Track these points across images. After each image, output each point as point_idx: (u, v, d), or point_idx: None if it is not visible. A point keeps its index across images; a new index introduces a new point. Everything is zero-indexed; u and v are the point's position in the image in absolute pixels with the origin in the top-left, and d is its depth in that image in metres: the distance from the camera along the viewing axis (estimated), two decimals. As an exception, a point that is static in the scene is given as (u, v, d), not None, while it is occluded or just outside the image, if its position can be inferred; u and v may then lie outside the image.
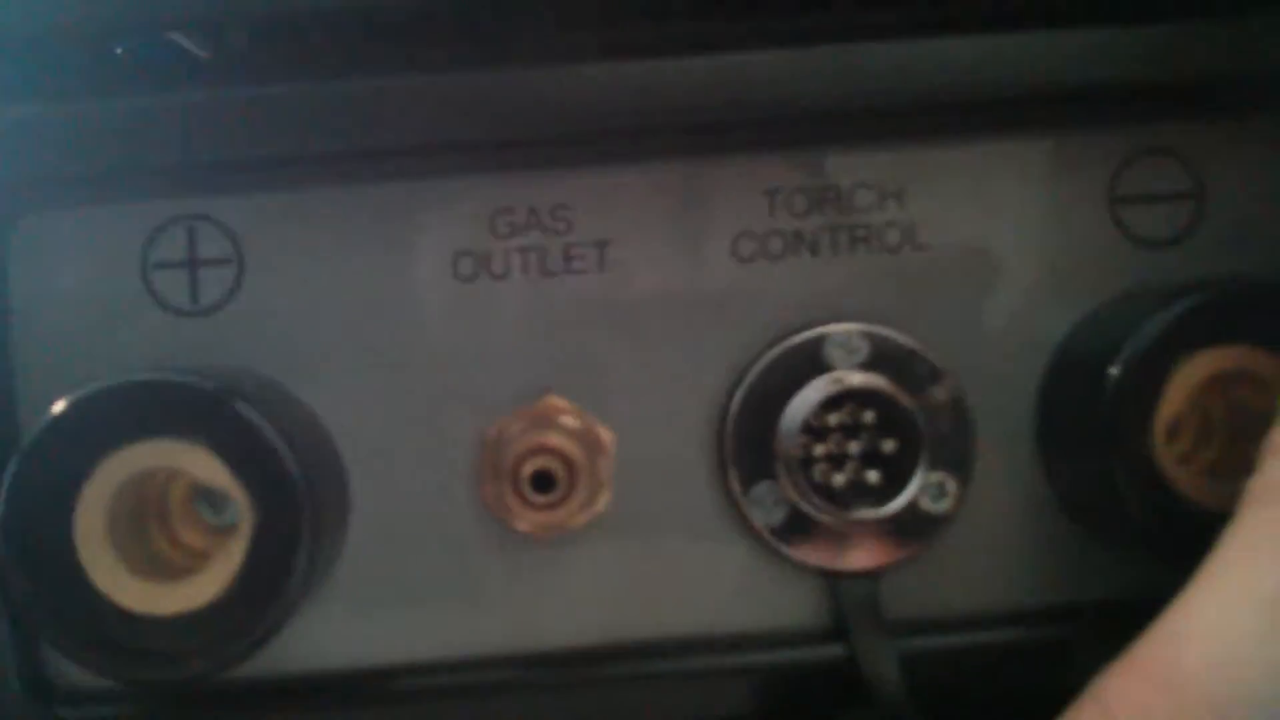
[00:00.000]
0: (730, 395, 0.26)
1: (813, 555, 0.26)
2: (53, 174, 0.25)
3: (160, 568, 0.24)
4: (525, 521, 0.24)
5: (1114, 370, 0.24)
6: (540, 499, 0.23)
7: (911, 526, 0.26)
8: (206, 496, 0.25)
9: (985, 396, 0.26)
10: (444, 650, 0.26)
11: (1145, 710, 0.21)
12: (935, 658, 0.26)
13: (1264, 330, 0.24)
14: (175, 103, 0.24)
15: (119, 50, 0.26)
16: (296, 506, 0.22)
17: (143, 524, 0.24)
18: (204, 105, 0.24)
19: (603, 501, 0.25)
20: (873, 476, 0.25)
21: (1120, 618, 0.22)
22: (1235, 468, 0.23)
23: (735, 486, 0.26)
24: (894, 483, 0.25)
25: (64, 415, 0.22)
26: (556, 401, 0.25)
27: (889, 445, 0.25)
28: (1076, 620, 0.26)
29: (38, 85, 0.25)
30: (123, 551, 0.23)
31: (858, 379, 0.25)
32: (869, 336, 0.26)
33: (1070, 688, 0.21)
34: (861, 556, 0.26)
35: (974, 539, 0.26)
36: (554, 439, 0.24)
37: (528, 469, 0.23)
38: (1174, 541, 0.24)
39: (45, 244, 0.25)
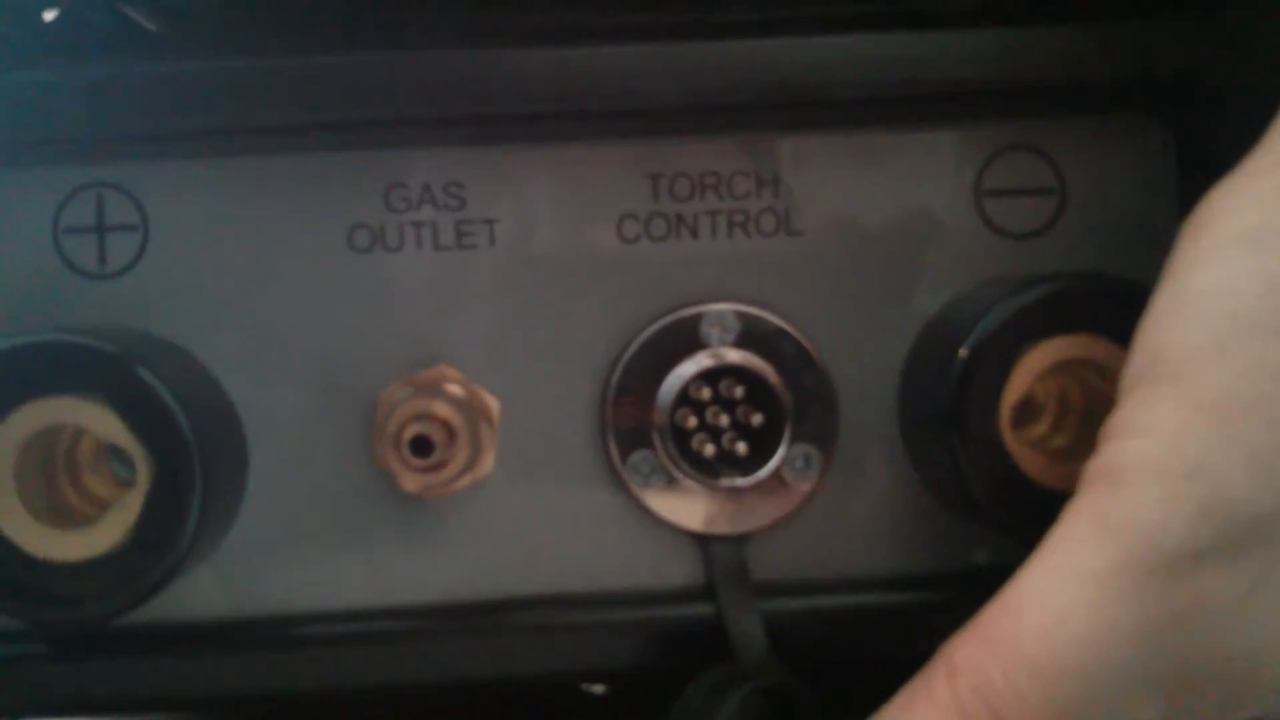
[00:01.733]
0: (612, 368, 0.27)
1: (685, 520, 0.27)
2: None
3: (65, 517, 0.25)
4: (411, 483, 0.25)
5: (963, 353, 0.25)
6: (419, 462, 0.25)
7: (777, 495, 0.27)
8: (118, 453, 0.27)
9: (852, 377, 0.28)
10: (334, 602, 0.27)
11: (983, 674, 0.22)
12: (798, 619, 0.27)
13: (1107, 321, 0.25)
14: (84, 76, 0.25)
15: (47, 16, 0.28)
16: (190, 463, 0.24)
17: (51, 475, 0.25)
18: (112, 79, 0.25)
19: (487, 466, 0.27)
20: (741, 448, 0.27)
21: (975, 587, 0.23)
22: (1085, 452, 0.24)
23: (614, 454, 0.27)
24: (761, 454, 0.27)
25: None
26: (445, 370, 0.27)
27: (757, 419, 0.27)
28: (934, 588, 0.28)
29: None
30: (28, 500, 0.24)
31: (731, 355, 0.27)
32: (742, 316, 0.27)
33: (926, 652, 0.23)
34: (730, 522, 0.28)
35: (838, 509, 0.28)
36: (437, 405, 0.25)
37: (408, 433, 0.25)
38: (1018, 519, 0.25)
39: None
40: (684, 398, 0.27)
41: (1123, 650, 0.21)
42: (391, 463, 0.25)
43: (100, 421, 0.24)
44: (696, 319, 0.27)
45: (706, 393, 0.27)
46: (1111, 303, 0.25)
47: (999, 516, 0.26)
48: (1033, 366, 0.25)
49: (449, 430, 0.25)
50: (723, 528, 0.28)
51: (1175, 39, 0.26)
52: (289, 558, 0.27)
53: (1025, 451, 0.26)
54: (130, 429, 0.24)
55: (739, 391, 0.27)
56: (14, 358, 0.24)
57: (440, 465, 0.25)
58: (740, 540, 0.28)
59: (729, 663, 0.26)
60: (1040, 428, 0.27)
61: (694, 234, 0.27)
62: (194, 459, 0.24)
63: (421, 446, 0.25)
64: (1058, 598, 0.22)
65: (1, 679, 0.27)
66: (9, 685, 0.27)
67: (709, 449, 0.27)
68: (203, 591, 0.27)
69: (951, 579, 0.28)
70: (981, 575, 0.26)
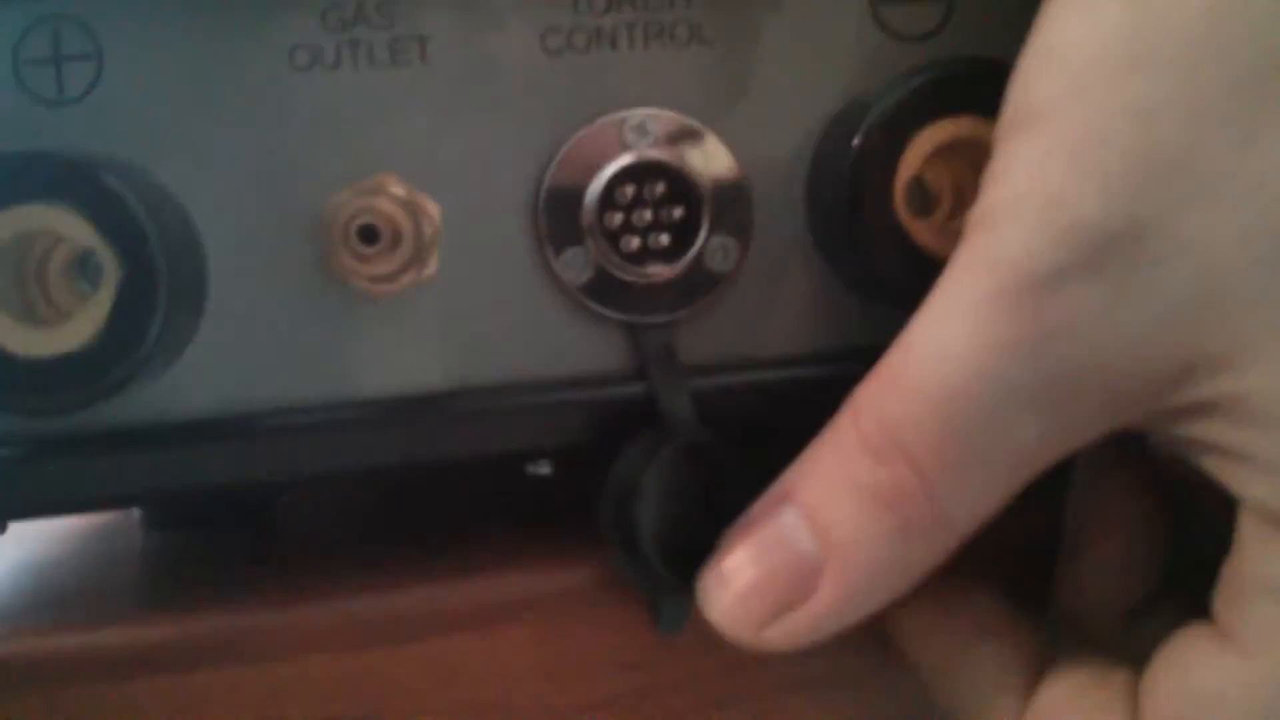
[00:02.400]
0: (542, 173, 0.30)
1: (616, 309, 0.30)
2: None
3: (37, 318, 0.27)
4: (359, 277, 0.28)
5: (856, 141, 0.28)
6: (367, 250, 0.27)
7: (700, 283, 0.30)
8: (83, 271, 0.29)
9: (763, 174, 0.30)
10: (292, 396, 0.29)
11: (884, 409, 0.25)
12: (721, 394, 0.30)
13: (990, 103, 0.28)
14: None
15: None
16: (154, 264, 0.26)
17: (23, 283, 0.28)
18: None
19: (430, 267, 0.29)
20: (664, 239, 0.29)
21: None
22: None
23: (549, 252, 0.30)
24: (682, 245, 0.30)
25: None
26: (386, 177, 0.29)
27: (678, 212, 0.29)
28: (843, 363, 0.30)
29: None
30: (4, 303, 0.27)
31: (650, 153, 0.29)
32: (660, 119, 0.30)
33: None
34: (658, 309, 0.30)
35: (755, 294, 0.30)
36: (382, 203, 0.27)
37: (356, 224, 0.27)
38: (917, 292, 0.28)
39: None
40: (609, 197, 0.29)
41: (1002, 368, 0.24)
42: (342, 258, 0.28)
43: (71, 226, 0.26)
44: (620, 123, 0.29)
45: (630, 191, 0.29)
46: (994, 85, 0.28)
47: (898, 290, 0.28)
48: (922, 148, 0.28)
49: (393, 224, 0.27)
50: (651, 315, 0.30)
51: None
52: (248, 359, 0.30)
53: (920, 227, 0.28)
54: (99, 232, 0.26)
55: (660, 188, 0.29)
56: (-12, 171, 0.26)
57: (386, 254, 0.27)
58: (668, 326, 0.30)
59: (658, 429, 0.29)
60: (938, 216, 0.30)
61: (613, 45, 0.30)
62: (158, 260, 0.26)
63: (369, 234, 0.27)
64: (943, 329, 0.24)
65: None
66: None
67: (634, 243, 0.29)
68: (170, 391, 0.29)
69: (860, 353, 0.31)
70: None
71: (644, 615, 0.31)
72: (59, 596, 0.34)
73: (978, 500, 0.24)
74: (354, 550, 0.35)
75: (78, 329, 0.27)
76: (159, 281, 0.26)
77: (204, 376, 0.29)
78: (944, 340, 0.24)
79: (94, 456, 0.29)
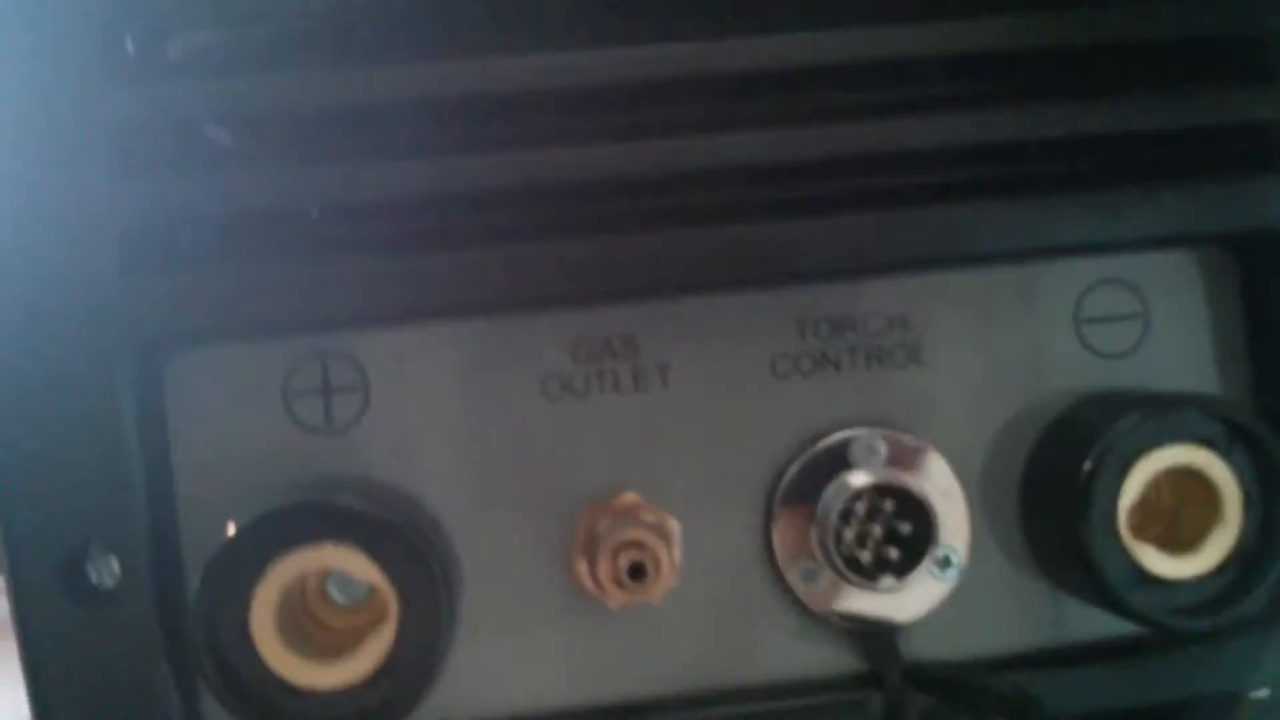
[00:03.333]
0: (773, 489, 0.31)
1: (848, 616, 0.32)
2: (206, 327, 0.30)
3: (315, 648, 0.29)
4: (617, 601, 0.29)
5: (1087, 465, 0.30)
6: (635, 585, 0.29)
7: (924, 590, 0.32)
8: (335, 581, 0.31)
9: (978, 483, 0.32)
10: (538, 704, 0.31)
11: None
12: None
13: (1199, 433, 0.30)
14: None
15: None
16: (436, 598, 0.28)
17: (296, 613, 0.29)
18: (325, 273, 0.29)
19: (672, 580, 0.30)
20: (893, 553, 0.31)
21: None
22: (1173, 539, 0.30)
23: (781, 562, 0.31)
24: (909, 556, 0.31)
25: (240, 533, 0.27)
26: (631, 496, 0.30)
27: (906, 528, 0.31)
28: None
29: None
30: (287, 637, 0.28)
31: (884, 474, 0.31)
32: (885, 437, 0.31)
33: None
34: (885, 615, 0.32)
35: (971, 599, 0.32)
36: (642, 534, 0.29)
37: (624, 561, 0.29)
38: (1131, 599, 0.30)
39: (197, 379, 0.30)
40: (842, 512, 0.31)
41: None
42: (603, 584, 0.29)
43: (356, 564, 0.28)
44: (846, 442, 0.31)
45: (861, 508, 0.31)
46: (1205, 417, 0.30)
47: (1118, 598, 0.30)
48: (1146, 471, 0.30)
49: (654, 556, 0.29)
50: (878, 622, 0.32)
51: (1258, 198, 0.31)
52: (499, 670, 0.31)
53: (1136, 544, 0.30)
54: (382, 569, 0.28)
55: (888, 504, 0.31)
56: (275, 519, 0.28)
57: (649, 585, 0.29)
58: (894, 635, 0.32)
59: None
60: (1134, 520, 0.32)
61: (836, 368, 0.32)
62: (440, 595, 0.28)
63: (638, 573, 0.29)
64: None
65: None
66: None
67: (865, 556, 0.31)
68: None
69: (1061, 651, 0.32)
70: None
71: None
72: None
73: None
74: None
75: (359, 664, 0.28)
76: (440, 611, 0.28)
77: (452, 687, 0.30)
78: None
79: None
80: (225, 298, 0.29)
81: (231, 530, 0.27)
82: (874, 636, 0.32)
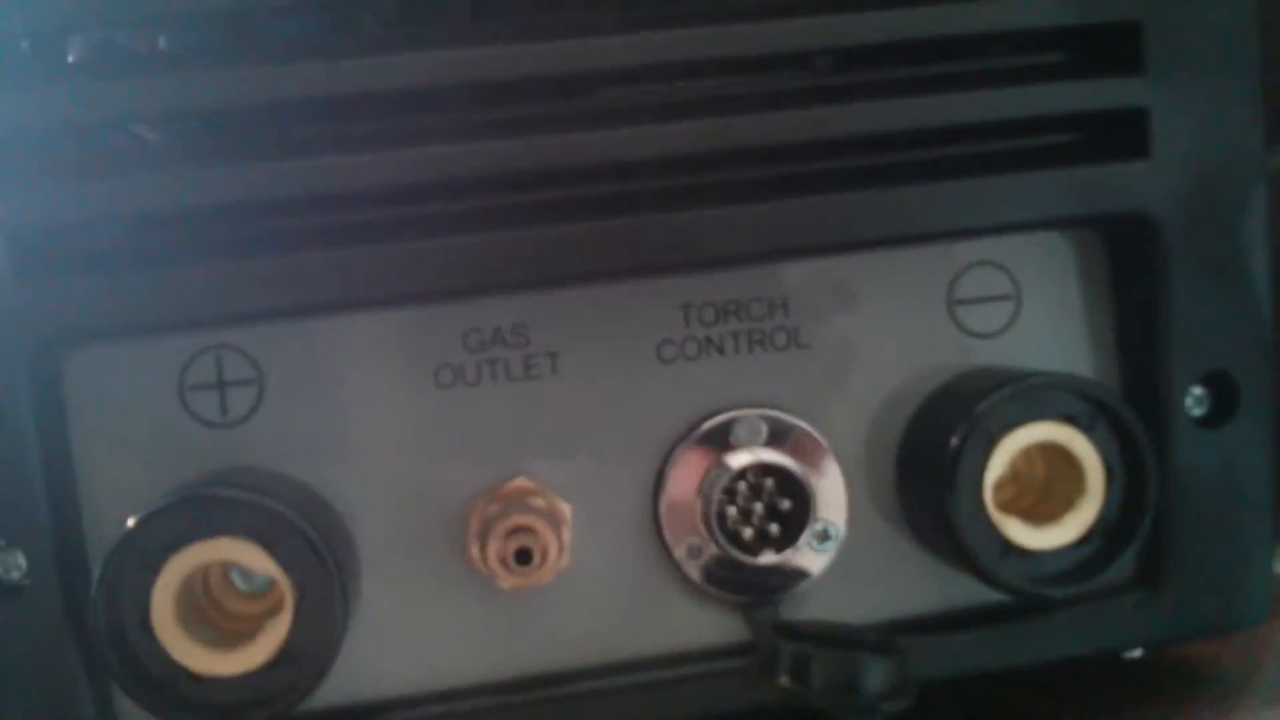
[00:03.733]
0: (660, 471, 0.33)
1: (731, 591, 0.33)
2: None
3: (218, 635, 0.30)
4: (508, 582, 0.31)
5: (954, 441, 0.31)
6: (521, 569, 0.30)
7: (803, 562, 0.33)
8: (237, 569, 0.32)
9: (855, 459, 0.34)
10: (431, 684, 0.32)
11: None
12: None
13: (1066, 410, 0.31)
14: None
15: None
16: (330, 585, 0.29)
17: (198, 601, 0.30)
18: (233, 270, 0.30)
19: (564, 561, 0.31)
20: (774, 529, 0.32)
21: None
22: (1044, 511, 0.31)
23: (668, 540, 0.33)
24: (790, 531, 0.33)
25: (133, 529, 0.28)
26: (522, 483, 0.32)
27: (785, 504, 0.32)
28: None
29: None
30: (189, 626, 0.29)
31: (764, 454, 0.32)
32: (766, 418, 0.33)
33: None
34: (766, 588, 0.33)
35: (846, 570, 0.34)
36: (531, 519, 0.30)
37: (512, 546, 0.30)
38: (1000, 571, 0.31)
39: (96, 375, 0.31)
40: (726, 490, 0.32)
41: None
42: (492, 566, 0.30)
43: (249, 556, 0.29)
44: (729, 423, 0.33)
45: (742, 485, 0.32)
46: (1068, 395, 0.31)
47: (984, 569, 0.31)
48: (1010, 448, 0.31)
49: (541, 540, 0.30)
50: (760, 593, 0.33)
51: (1125, 182, 0.32)
52: (394, 649, 0.32)
53: (1002, 517, 0.32)
54: (278, 561, 0.29)
55: (769, 482, 0.32)
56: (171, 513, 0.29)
57: (535, 570, 0.30)
58: (774, 604, 0.33)
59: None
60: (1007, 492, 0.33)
61: (721, 352, 0.33)
62: (333, 581, 0.29)
63: (524, 557, 0.30)
64: None
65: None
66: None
67: (747, 532, 0.32)
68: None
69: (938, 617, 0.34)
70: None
71: None
72: None
73: None
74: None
75: (257, 651, 0.29)
76: (335, 600, 0.29)
77: (354, 667, 0.32)
78: None
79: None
80: (120, 296, 0.30)
81: (130, 524, 0.28)
82: (756, 606, 0.33)
